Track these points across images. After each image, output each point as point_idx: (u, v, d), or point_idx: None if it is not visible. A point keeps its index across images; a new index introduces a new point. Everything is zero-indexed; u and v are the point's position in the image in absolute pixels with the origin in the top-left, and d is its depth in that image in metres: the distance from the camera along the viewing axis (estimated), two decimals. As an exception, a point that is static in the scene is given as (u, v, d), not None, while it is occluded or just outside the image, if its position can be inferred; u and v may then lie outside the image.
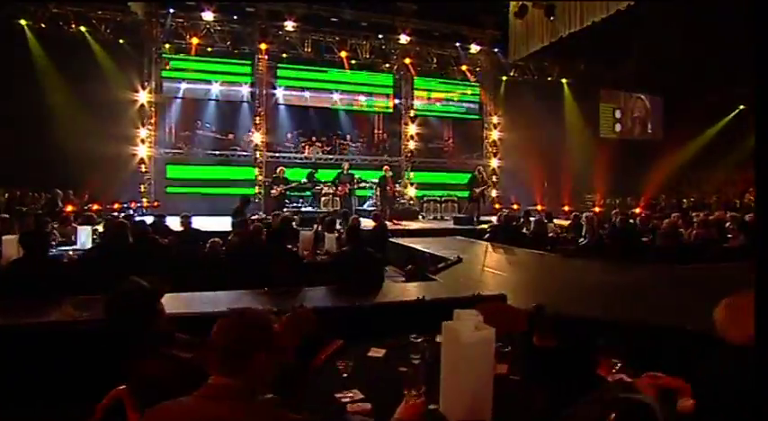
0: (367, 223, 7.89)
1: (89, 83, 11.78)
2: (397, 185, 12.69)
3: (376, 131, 17.10)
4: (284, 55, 14.53)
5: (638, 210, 12.51)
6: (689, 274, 5.31)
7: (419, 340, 2.28)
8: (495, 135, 16.65)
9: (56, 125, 11.42)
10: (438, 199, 13.08)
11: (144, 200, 13.15)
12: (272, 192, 10.09)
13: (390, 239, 7.84)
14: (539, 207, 14.33)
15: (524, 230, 8.67)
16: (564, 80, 16.71)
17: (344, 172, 10.78)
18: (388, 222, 10.47)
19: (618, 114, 18.16)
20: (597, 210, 12.75)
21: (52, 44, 11.89)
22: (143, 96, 13.17)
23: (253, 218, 7.71)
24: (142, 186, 13.25)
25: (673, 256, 6.21)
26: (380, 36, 14.33)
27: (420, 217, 12.75)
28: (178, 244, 5.98)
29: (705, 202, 13.84)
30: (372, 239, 6.75)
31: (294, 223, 7.33)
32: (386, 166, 10.82)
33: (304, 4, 12.84)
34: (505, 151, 16.40)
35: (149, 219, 7.61)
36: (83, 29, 12.33)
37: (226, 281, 4.39)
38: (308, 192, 12.00)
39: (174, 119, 14.21)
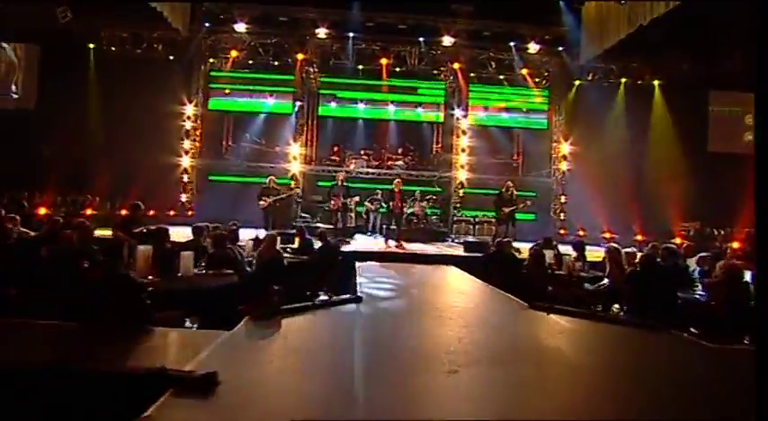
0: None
1: (143, 98, 12.52)
2: (408, 201, 11.16)
3: (434, 146, 15.78)
4: (326, 65, 14.07)
5: (735, 245, 9.35)
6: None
7: None
8: (565, 149, 14.22)
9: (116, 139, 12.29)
10: (471, 219, 11.18)
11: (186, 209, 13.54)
12: (261, 203, 9.40)
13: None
14: (606, 234, 11.66)
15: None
16: (656, 82, 13.67)
17: (338, 184, 9.70)
18: (393, 243, 9.18)
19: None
20: (679, 241, 9.80)
21: (111, 64, 12.91)
22: (189, 109, 13.65)
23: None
24: (184, 196, 13.65)
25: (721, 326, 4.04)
26: (421, 39, 13.08)
27: (448, 239, 11.03)
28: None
29: None
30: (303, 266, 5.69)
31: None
32: (397, 180, 9.47)
33: (337, 10, 12.22)
34: (577, 167, 13.86)
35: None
36: (138, 49, 13.21)
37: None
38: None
39: (221, 131, 14.53)
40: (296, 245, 7.52)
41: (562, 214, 14.28)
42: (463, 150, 14.25)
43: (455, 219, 11.70)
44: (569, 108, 14.12)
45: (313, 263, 6.15)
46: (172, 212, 12.87)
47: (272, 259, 5.22)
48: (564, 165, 14.39)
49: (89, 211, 10.49)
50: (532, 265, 5.74)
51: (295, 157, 13.94)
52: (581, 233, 12.08)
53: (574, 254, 6.66)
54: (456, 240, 10.96)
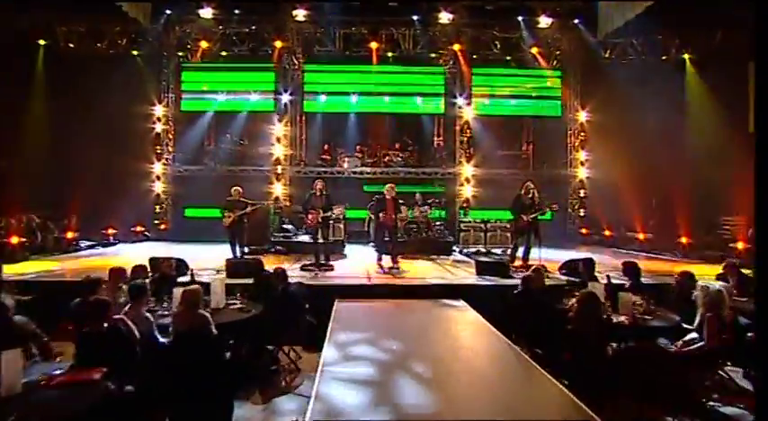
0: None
1: (105, 99, 11.07)
2: (407, 207, 9.58)
3: (435, 139, 14.20)
4: (310, 53, 12.52)
5: (740, 245, 7.69)
6: None
7: None
8: (582, 136, 12.60)
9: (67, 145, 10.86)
10: (481, 225, 9.49)
11: (158, 222, 12.13)
12: (224, 220, 7.89)
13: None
14: (640, 236, 10.03)
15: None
16: (686, 56, 11.92)
17: (315, 193, 7.64)
18: (387, 261, 7.65)
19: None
20: (741, 246, 8.07)
21: (64, 62, 11.47)
22: (159, 110, 12.22)
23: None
24: (157, 207, 12.25)
25: None
26: (415, 18, 11.48)
27: (455, 251, 9.44)
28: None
29: None
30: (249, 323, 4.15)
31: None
32: (389, 186, 7.85)
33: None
34: (597, 157, 12.22)
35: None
36: (99, 44, 11.76)
37: None
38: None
39: (195, 133, 13.06)
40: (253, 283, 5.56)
41: (582, 210, 12.66)
42: (468, 143, 12.65)
43: (462, 224, 10.03)
44: (586, 90, 12.44)
45: (266, 316, 4.53)
46: (138, 228, 11.47)
47: (190, 333, 3.60)
48: (582, 155, 12.75)
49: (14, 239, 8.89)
50: (582, 317, 3.79)
51: (278, 160, 12.45)
52: (606, 233, 10.46)
53: (626, 281, 5.06)
54: (465, 252, 9.40)
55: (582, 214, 12.64)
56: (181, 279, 5.60)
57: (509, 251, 7.98)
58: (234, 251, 8.06)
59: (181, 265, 6.15)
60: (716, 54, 11.53)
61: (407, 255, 8.59)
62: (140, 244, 11.27)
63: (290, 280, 5.23)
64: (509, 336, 4.23)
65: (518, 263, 7.28)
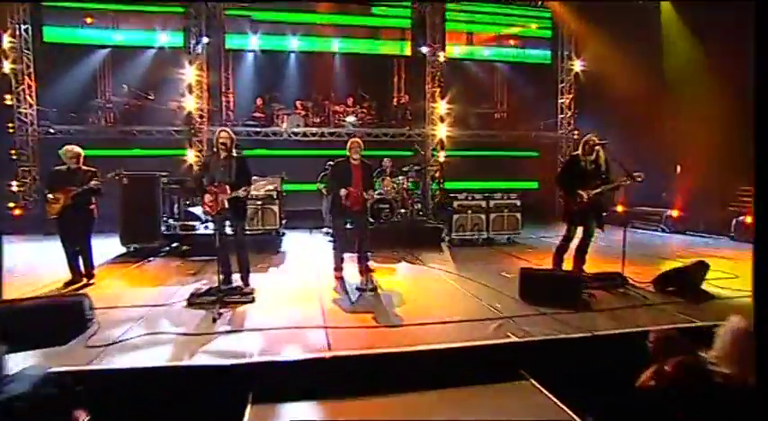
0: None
1: None
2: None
3: (397, 93, 11.46)
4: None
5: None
6: None
7: None
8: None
9: None
10: (482, 204, 6.50)
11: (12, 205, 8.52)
12: (48, 206, 4.49)
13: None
14: (674, 213, 8.09)
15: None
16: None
17: (219, 153, 4.22)
18: (353, 265, 4.93)
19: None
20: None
21: None
22: (5, 41, 8.42)
23: None
24: (14, 183, 8.62)
25: None
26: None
27: (445, 240, 6.71)
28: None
29: None
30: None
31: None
32: (354, 140, 4.85)
33: None
34: (598, 115, 10.14)
35: None
36: None
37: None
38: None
39: (74, 79, 9.40)
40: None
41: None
42: (441, 96, 10.06)
43: (456, 203, 6.87)
44: (583, 32, 10.20)
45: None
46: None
47: None
48: (570, 115, 10.69)
49: None
50: None
51: (192, 117, 9.20)
52: (619, 208, 8.44)
53: None
54: (458, 239, 6.61)
55: (574, 185, 10.64)
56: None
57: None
58: (73, 263, 4.56)
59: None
60: None
61: (381, 253, 5.94)
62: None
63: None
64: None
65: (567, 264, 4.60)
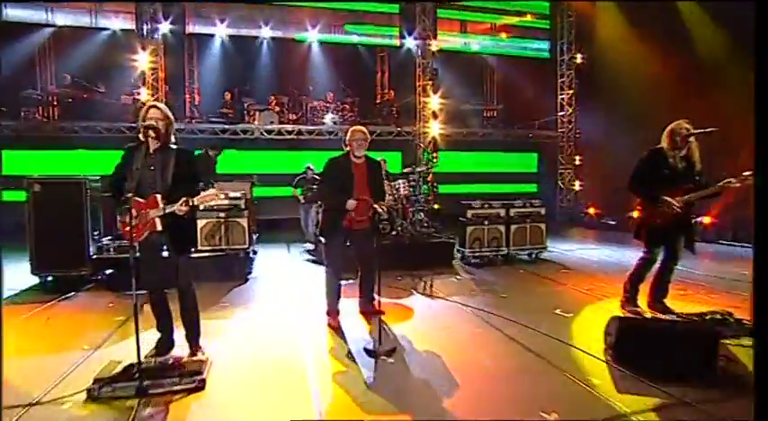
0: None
1: None
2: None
3: (380, 90, 10.36)
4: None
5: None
6: None
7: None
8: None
9: None
10: (500, 213, 5.17)
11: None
12: None
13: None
14: (706, 219, 7.16)
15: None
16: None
17: (149, 146, 2.58)
18: (351, 309, 3.71)
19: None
20: None
21: None
22: None
23: None
24: None
25: None
26: None
27: (458, 256, 5.45)
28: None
29: None
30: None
31: None
32: (357, 128, 3.45)
33: None
34: (595, 114, 9.32)
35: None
36: None
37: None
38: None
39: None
40: None
41: (577, 183, 9.82)
42: (433, 90, 9.05)
43: (469, 212, 5.46)
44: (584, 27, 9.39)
45: None
46: None
47: None
48: (572, 112, 9.86)
49: None
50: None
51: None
52: (635, 214, 7.59)
53: None
54: (472, 257, 5.37)
55: (577, 188, 9.82)
56: None
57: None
58: None
59: None
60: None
61: (381, 278, 3.86)
62: None
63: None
64: None
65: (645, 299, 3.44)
